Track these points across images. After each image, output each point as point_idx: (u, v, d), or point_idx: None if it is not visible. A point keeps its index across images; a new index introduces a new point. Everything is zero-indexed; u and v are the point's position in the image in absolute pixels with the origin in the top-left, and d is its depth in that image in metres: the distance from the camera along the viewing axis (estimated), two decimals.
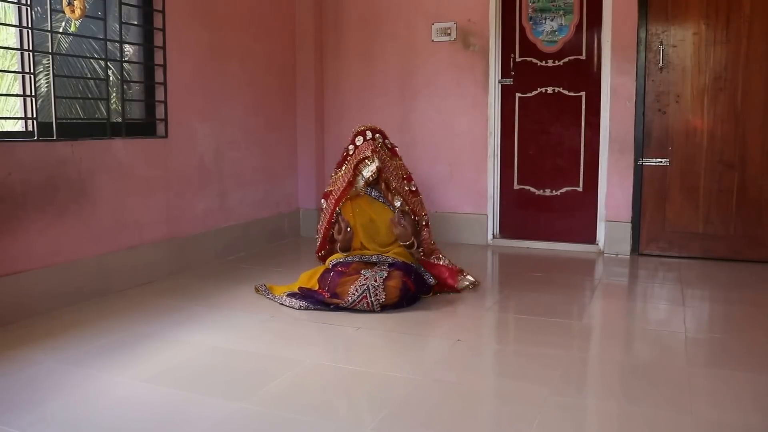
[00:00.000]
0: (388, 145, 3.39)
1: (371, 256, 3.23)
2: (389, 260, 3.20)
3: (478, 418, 1.98)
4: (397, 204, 3.35)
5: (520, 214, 4.60)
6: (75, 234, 3.12)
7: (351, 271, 3.08)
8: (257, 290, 3.30)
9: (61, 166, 3.04)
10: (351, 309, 2.95)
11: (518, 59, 4.49)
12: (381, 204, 3.38)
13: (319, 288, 3.12)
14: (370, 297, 2.93)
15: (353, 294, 2.94)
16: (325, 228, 3.36)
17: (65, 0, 3.02)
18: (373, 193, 3.39)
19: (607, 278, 3.75)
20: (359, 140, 3.32)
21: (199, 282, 3.56)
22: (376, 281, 2.96)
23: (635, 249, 4.27)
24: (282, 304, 3.08)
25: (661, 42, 4.10)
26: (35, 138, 2.95)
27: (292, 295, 3.11)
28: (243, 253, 4.30)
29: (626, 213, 4.26)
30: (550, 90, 4.44)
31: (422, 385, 2.19)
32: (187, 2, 3.77)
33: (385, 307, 2.94)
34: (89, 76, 3.69)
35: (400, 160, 3.42)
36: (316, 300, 3.02)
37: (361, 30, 4.85)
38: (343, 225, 3.26)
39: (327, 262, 3.31)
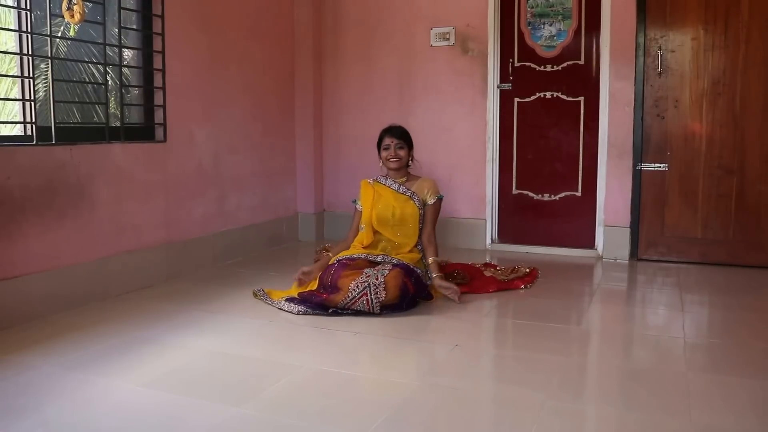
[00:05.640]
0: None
1: (377, 256, 3.25)
2: (393, 261, 3.21)
3: (476, 424, 1.98)
4: (430, 201, 3.43)
5: (518, 219, 4.60)
6: (73, 238, 3.12)
7: (355, 266, 3.10)
8: (255, 295, 3.30)
9: (59, 171, 3.04)
10: (349, 310, 2.94)
11: (517, 64, 4.50)
12: (406, 197, 3.42)
13: (319, 287, 3.12)
14: (371, 294, 2.92)
15: (354, 290, 2.93)
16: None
17: (65, 4, 3.02)
18: (401, 189, 3.44)
19: (606, 283, 3.75)
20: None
21: (197, 286, 3.56)
22: (377, 279, 2.95)
23: (634, 254, 4.27)
24: (280, 308, 3.08)
25: (660, 47, 4.11)
26: (34, 142, 2.95)
27: (290, 299, 3.11)
28: (241, 258, 4.30)
29: (625, 218, 4.26)
30: (548, 95, 4.45)
31: (420, 390, 2.19)
32: (186, 7, 3.77)
33: (383, 308, 2.93)
34: (88, 80, 3.70)
35: None
36: (314, 304, 3.02)
37: (359, 34, 4.86)
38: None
39: (333, 259, 3.31)
